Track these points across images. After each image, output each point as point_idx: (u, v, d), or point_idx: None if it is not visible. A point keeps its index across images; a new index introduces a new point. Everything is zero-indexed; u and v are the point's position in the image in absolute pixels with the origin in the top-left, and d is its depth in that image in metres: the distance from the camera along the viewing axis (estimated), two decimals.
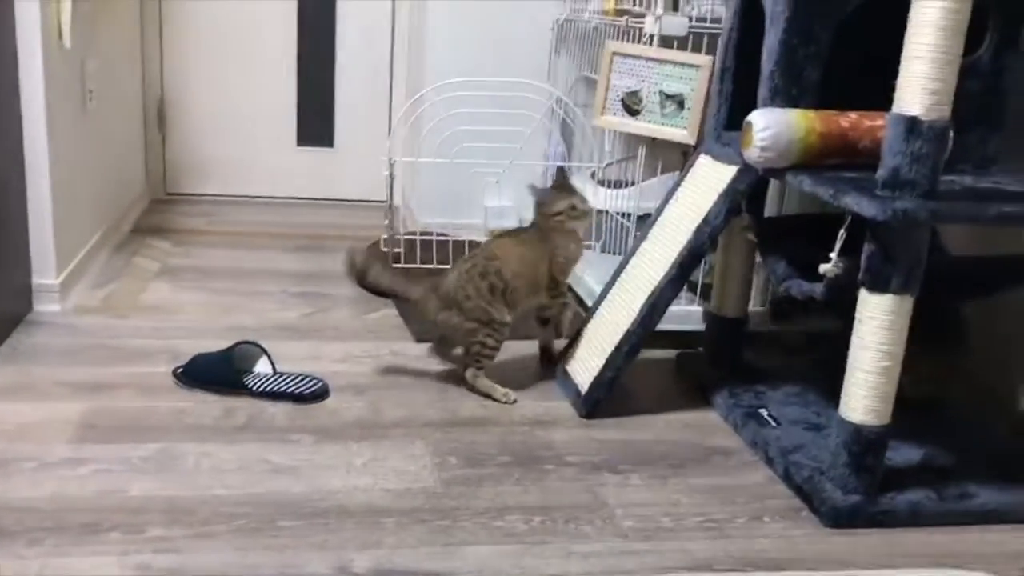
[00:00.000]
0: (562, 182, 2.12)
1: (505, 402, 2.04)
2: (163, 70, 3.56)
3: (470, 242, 2.75)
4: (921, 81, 1.46)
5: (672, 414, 2.06)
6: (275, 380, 2.01)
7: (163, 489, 1.61)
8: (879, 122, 1.65)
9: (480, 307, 2.02)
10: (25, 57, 2.22)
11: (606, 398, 2.00)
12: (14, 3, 2.18)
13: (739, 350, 2.23)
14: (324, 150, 3.70)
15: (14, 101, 2.23)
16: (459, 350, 2.08)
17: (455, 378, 2.11)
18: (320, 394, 2.00)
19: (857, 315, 1.59)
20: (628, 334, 1.99)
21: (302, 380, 2.02)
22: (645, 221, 2.22)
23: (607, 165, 2.84)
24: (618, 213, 2.69)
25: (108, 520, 1.50)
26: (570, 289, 2.20)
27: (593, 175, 2.85)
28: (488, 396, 2.05)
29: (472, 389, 2.06)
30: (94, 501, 1.56)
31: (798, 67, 1.81)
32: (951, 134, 1.53)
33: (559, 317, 2.16)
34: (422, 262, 2.67)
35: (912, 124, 1.47)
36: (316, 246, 3.11)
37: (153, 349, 2.20)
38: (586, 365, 2.06)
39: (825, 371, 2.07)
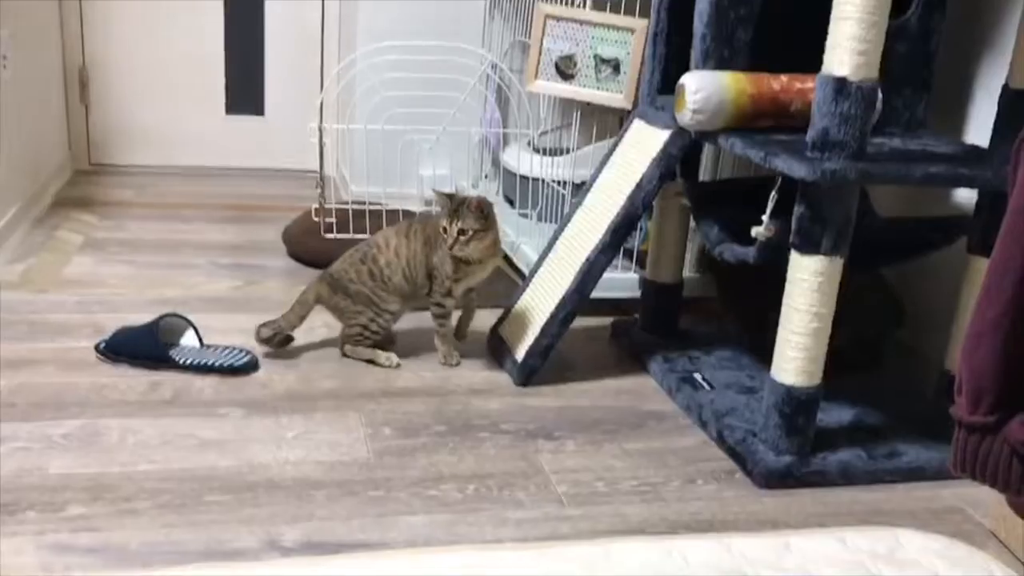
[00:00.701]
0: (459, 200, 1.93)
1: (388, 366, 2.02)
2: (84, 36, 3.42)
3: (404, 211, 2.71)
4: (849, 42, 1.46)
5: (608, 380, 2.05)
6: (202, 353, 1.96)
7: (84, 466, 1.56)
8: (809, 84, 1.65)
9: (363, 292, 2.01)
10: None
11: (542, 366, 1.99)
12: None
13: (675, 316, 2.23)
14: (254, 118, 3.61)
15: None
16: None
17: (391, 349, 2.08)
18: (249, 366, 1.95)
19: (788, 277, 1.60)
20: (563, 302, 1.98)
21: (230, 352, 1.97)
22: (581, 188, 2.20)
23: (542, 133, 2.81)
24: (554, 181, 2.67)
25: (25, 499, 1.45)
26: (469, 291, 2.07)
27: (529, 143, 2.82)
28: (371, 362, 2.03)
29: (352, 356, 2.04)
30: (11, 481, 1.50)
31: (729, 29, 1.80)
32: (880, 96, 1.54)
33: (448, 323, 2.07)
34: (355, 232, 2.62)
35: (841, 85, 1.47)
36: (247, 217, 3.04)
37: (75, 324, 2.13)
38: (522, 333, 2.04)
39: (758, 334, 2.08)
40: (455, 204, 1.93)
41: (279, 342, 2.03)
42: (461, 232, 1.92)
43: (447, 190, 2.00)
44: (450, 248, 1.93)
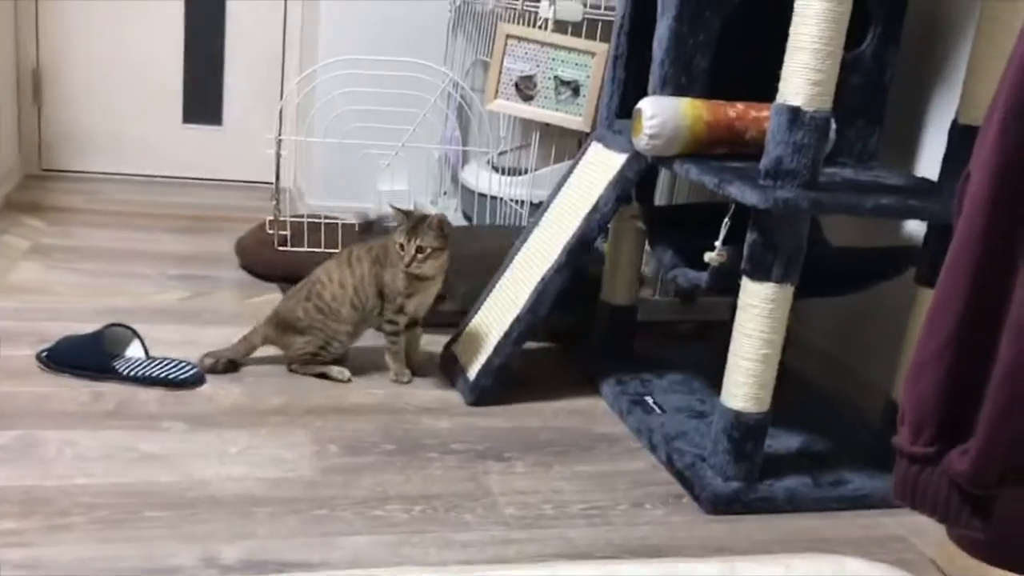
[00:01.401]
0: (418, 218, 1.93)
1: (341, 380, 2.00)
2: (39, 37, 3.36)
3: (360, 225, 2.69)
4: (804, 72, 1.48)
5: (560, 402, 2.05)
6: (147, 365, 1.92)
7: (19, 479, 1.52)
8: (765, 112, 1.67)
9: (313, 327, 1.99)
10: None
11: (493, 385, 1.98)
12: None
13: (629, 338, 2.24)
14: (212, 128, 3.57)
15: None
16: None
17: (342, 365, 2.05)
18: (195, 380, 1.92)
19: (739, 303, 1.61)
20: (516, 321, 1.97)
21: (176, 365, 1.93)
22: (539, 208, 2.20)
23: (502, 153, 2.82)
24: (512, 200, 2.67)
25: None
26: (414, 324, 2.06)
27: (488, 161, 2.82)
28: (322, 376, 2.01)
29: (301, 372, 2.02)
30: None
31: (688, 55, 1.81)
32: (833, 126, 1.56)
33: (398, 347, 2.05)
34: (310, 245, 2.59)
35: (795, 114, 1.49)
36: (200, 227, 2.99)
37: (17, 331, 2.07)
38: (474, 352, 2.03)
39: (712, 359, 2.09)
40: (414, 221, 1.93)
41: (223, 367, 1.99)
42: (419, 249, 1.91)
43: (404, 206, 1.99)
44: (407, 265, 1.92)
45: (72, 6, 3.35)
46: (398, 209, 1.96)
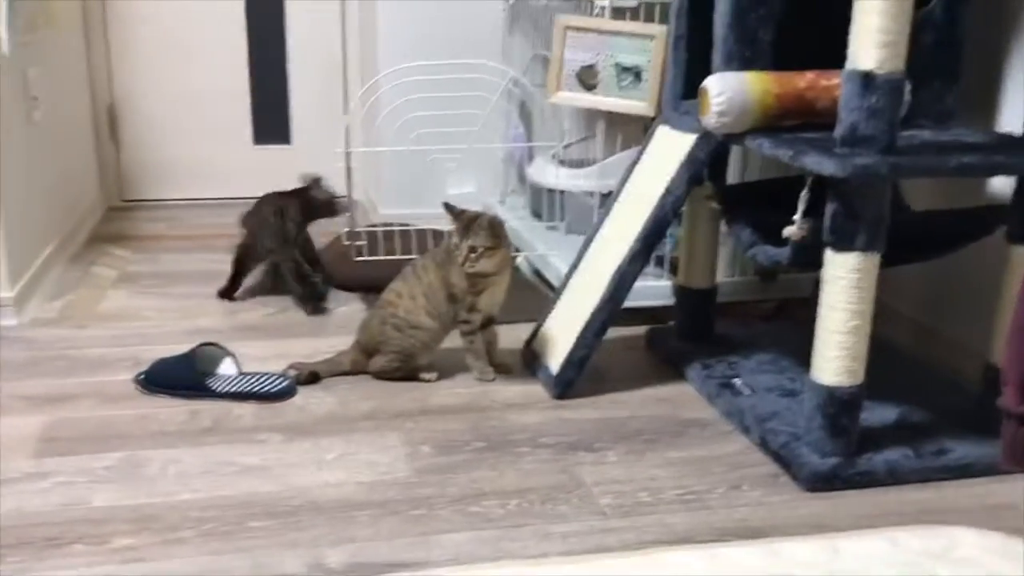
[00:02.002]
0: (470, 218, 1.95)
1: (429, 380, 2.03)
2: (111, 74, 3.48)
3: (433, 231, 2.71)
4: (874, 35, 1.44)
5: (645, 390, 2.04)
6: (240, 380, 1.97)
7: (128, 498, 1.57)
8: (835, 80, 1.63)
9: (393, 345, 2.02)
10: None
11: (578, 378, 1.98)
12: None
13: (710, 321, 2.21)
14: (281, 147, 3.64)
15: None
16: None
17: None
18: (287, 392, 1.96)
19: (824, 276, 1.58)
20: (596, 312, 1.96)
21: (267, 379, 1.98)
22: (609, 198, 2.19)
23: (567, 146, 2.81)
24: (581, 192, 2.66)
25: (71, 533, 1.46)
26: (489, 323, 2.06)
27: (554, 155, 2.82)
28: (411, 378, 2.04)
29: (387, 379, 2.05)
30: (56, 515, 1.51)
31: (751, 29, 1.78)
32: (907, 88, 1.52)
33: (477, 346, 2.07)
34: (386, 254, 2.63)
35: (867, 79, 1.45)
36: None
37: (113, 357, 2.15)
38: (556, 345, 2.03)
39: (797, 337, 2.06)
40: (466, 221, 1.94)
41: (306, 379, 2.02)
42: (472, 249, 1.93)
43: (458, 207, 2.00)
44: (461, 264, 1.94)
45: (141, 42, 3.46)
46: (451, 209, 1.98)
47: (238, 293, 2.57)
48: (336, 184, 2.63)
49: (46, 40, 2.79)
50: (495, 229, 1.95)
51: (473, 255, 1.93)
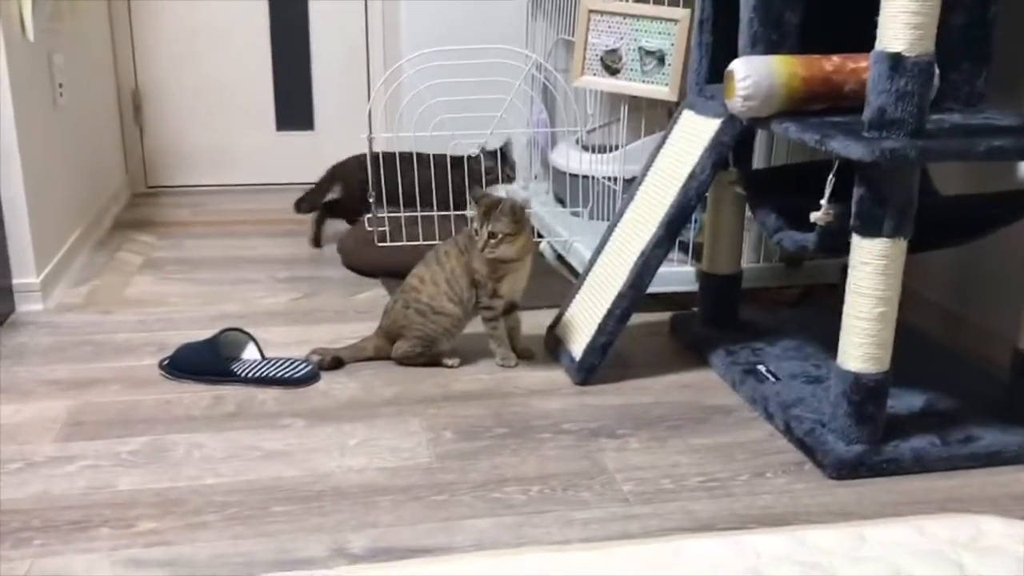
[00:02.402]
0: (491, 203, 1.93)
1: (452, 366, 2.03)
2: (135, 60, 3.50)
3: (455, 215, 2.71)
4: (903, 16, 1.42)
5: (669, 376, 2.03)
6: (264, 365, 1.97)
7: (153, 482, 1.58)
8: (863, 63, 1.61)
9: (415, 330, 2.02)
10: None
11: (601, 364, 1.97)
12: None
13: (734, 308, 2.20)
14: (305, 133, 3.65)
15: None
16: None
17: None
18: (310, 377, 1.97)
19: (851, 261, 1.56)
20: (619, 297, 1.95)
21: (291, 364, 1.98)
22: (633, 184, 2.18)
23: (590, 131, 2.79)
24: (604, 178, 2.65)
25: (97, 516, 1.47)
26: (512, 309, 2.06)
27: (577, 141, 2.81)
28: (434, 364, 2.05)
29: (410, 364, 2.05)
30: (82, 498, 1.52)
31: (777, 12, 1.76)
32: (936, 70, 1.49)
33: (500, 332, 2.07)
34: (409, 239, 2.63)
35: (896, 61, 1.43)
36: (301, 231, 3.06)
37: (138, 342, 2.16)
38: (579, 331, 2.03)
39: (823, 323, 2.04)
40: (487, 206, 1.93)
41: (329, 364, 2.03)
42: (491, 235, 1.92)
43: (480, 191, 1.99)
44: (481, 250, 1.93)
45: (165, 28, 3.47)
46: (473, 193, 1.99)
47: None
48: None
49: (71, 26, 2.80)
50: (516, 214, 1.94)
51: (493, 241, 1.92)
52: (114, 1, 3.40)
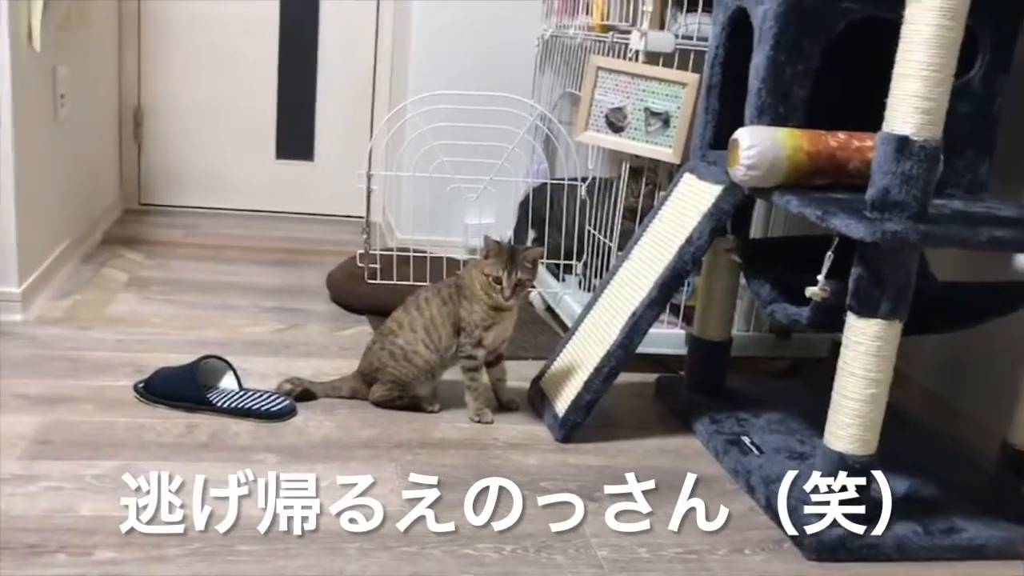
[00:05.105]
0: (514, 250, 1.93)
1: (432, 411, 2.00)
2: (140, 77, 3.49)
3: (448, 259, 2.69)
4: (913, 100, 1.42)
5: (652, 440, 1.99)
6: (241, 397, 1.94)
7: (116, 509, 1.52)
8: (868, 143, 1.61)
9: (389, 373, 1.99)
10: None
11: (584, 422, 1.94)
12: None
13: (722, 375, 2.17)
14: (304, 164, 3.64)
15: None
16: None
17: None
18: (287, 412, 1.93)
19: (844, 340, 1.54)
20: (607, 356, 1.93)
21: (268, 397, 1.95)
22: (627, 241, 2.17)
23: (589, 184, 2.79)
24: (599, 233, 2.63)
25: (55, 541, 1.42)
26: (498, 360, 2.05)
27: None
28: (413, 408, 2.01)
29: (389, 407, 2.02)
30: (42, 520, 1.48)
31: (786, 85, 1.76)
32: (941, 156, 1.49)
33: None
34: (399, 279, 2.60)
35: (903, 144, 1.43)
36: (292, 261, 3.04)
37: (115, 362, 2.12)
38: (564, 387, 2.00)
39: (810, 398, 2.02)
40: (509, 254, 1.92)
41: (299, 396, 1.99)
42: (519, 283, 1.91)
43: (493, 239, 1.97)
44: (507, 299, 1.91)
45: (174, 48, 3.47)
46: (493, 241, 1.96)
47: None
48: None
49: (79, 38, 2.80)
50: (536, 263, 1.96)
51: (519, 289, 1.92)
52: (125, 16, 3.41)
